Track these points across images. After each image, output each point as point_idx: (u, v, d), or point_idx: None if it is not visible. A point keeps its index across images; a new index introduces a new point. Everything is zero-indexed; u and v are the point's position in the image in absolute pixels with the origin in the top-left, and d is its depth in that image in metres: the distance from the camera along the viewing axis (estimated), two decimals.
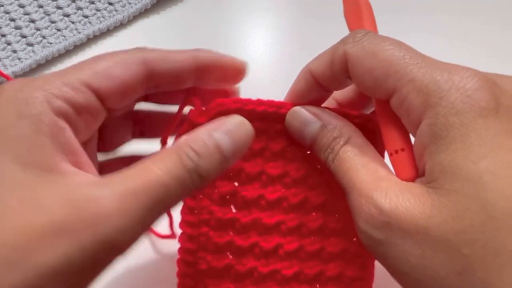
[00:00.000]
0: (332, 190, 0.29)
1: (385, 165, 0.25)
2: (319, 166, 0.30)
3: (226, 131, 0.24)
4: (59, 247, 0.19)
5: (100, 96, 0.23)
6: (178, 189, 0.22)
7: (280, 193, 0.30)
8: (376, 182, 0.23)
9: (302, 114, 0.27)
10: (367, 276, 0.30)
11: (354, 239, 0.30)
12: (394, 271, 0.22)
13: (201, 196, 0.29)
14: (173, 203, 0.23)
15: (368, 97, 0.27)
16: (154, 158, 0.22)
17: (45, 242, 0.19)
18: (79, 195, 0.20)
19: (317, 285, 0.30)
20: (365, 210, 0.22)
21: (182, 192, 0.22)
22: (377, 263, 0.29)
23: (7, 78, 0.44)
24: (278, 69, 0.49)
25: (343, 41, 0.25)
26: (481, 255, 0.19)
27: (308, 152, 0.30)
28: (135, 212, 0.20)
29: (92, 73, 0.23)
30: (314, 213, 0.30)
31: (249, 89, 0.47)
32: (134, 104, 0.29)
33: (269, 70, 0.49)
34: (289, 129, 0.28)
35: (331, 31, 0.51)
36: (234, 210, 0.30)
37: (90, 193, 0.20)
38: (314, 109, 0.27)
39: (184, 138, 0.24)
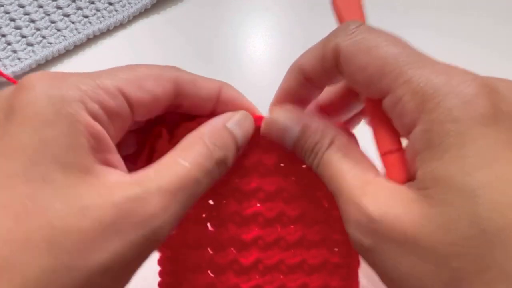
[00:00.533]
0: (309, 201, 0.29)
1: (372, 165, 0.24)
2: (293, 178, 0.29)
3: (237, 123, 0.26)
4: (109, 247, 0.20)
5: (130, 104, 0.23)
6: (208, 182, 0.23)
7: (255, 208, 0.29)
8: (364, 187, 0.22)
9: (278, 121, 0.26)
10: (352, 285, 0.30)
11: (336, 249, 0.30)
12: (384, 278, 0.22)
13: None
14: (202, 194, 0.24)
15: (352, 99, 0.26)
16: (182, 151, 0.23)
17: (95, 244, 0.19)
18: (122, 197, 0.20)
19: None
20: (353, 217, 0.22)
21: (210, 183, 0.24)
22: (363, 272, 0.30)
23: (7, 78, 0.44)
24: (278, 69, 0.49)
25: (335, 33, 0.23)
26: (470, 269, 0.18)
27: (282, 164, 0.29)
28: (173, 209, 0.21)
29: (126, 80, 0.23)
30: (292, 226, 0.30)
31: (249, 89, 0.47)
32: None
33: (269, 70, 0.49)
34: (269, 138, 0.26)
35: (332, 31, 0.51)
36: (211, 228, 0.30)
37: (132, 195, 0.20)
38: (291, 113, 0.26)
39: (203, 130, 0.25)
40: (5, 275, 0.18)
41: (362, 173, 0.23)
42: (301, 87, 0.26)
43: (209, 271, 0.30)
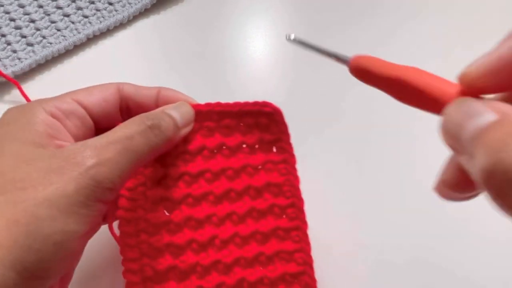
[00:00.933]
0: (251, 175, 0.32)
1: None
2: (235, 157, 0.33)
3: (173, 107, 0.31)
4: (51, 183, 0.24)
5: (83, 105, 0.30)
6: (142, 141, 0.28)
7: (205, 188, 0.32)
8: None
9: (474, 105, 0.18)
10: (304, 246, 0.32)
11: (283, 216, 0.32)
12: None
13: (136, 208, 0.31)
14: (142, 152, 0.28)
15: None
16: (118, 126, 0.29)
17: (40, 182, 0.24)
18: (63, 152, 0.26)
19: (259, 267, 0.32)
20: None
21: (147, 143, 0.28)
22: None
23: (7, 78, 0.44)
24: (278, 69, 0.49)
25: None
26: None
27: (224, 147, 0.33)
28: (108, 154, 0.26)
29: (78, 92, 0.31)
30: (240, 200, 0.32)
31: (249, 88, 0.47)
32: None
33: (269, 70, 0.49)
34: (445, 123, 0.19)
35: (331, 31, 0.51)
36: (167, 213, 0.32)
37: (71, 148, 0.26)
38: (488, 101, 0.19)
39: (142, 114, 0.30)
40: None
41: None
42: None
43: (169, 254, 0.31)
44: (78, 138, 0.30)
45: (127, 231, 0.30)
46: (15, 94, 0.45)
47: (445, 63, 0.47)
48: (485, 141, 0.17)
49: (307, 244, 0.32)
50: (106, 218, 0.31)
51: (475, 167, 0.17)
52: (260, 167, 0.33)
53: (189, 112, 0.32)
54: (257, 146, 0.33)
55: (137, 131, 0.28)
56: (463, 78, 0.20)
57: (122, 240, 0.30)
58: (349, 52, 0.23)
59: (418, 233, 0.39)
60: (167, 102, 0.32)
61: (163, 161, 0.32)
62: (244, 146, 0.33)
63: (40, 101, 0.29)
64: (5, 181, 0.25)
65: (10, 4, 0.48)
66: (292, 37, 0.26)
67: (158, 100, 0.32)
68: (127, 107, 0.32)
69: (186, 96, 0.33)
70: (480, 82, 0.19)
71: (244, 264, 0.31)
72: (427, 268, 0.38)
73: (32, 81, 0.46)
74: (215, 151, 0.33)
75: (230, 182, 0.32)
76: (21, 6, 0.49)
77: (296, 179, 0.33)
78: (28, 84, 0.46)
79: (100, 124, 0.31)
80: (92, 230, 0.27)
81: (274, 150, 0.33)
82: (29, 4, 0.49)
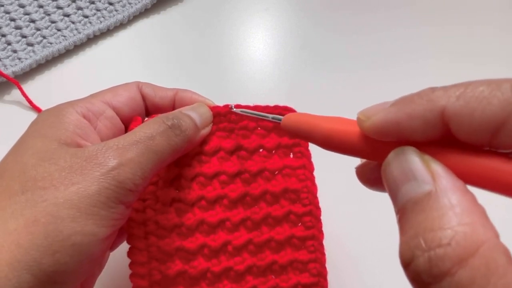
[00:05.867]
0: (268, 179, 0.31)
1: None
2: (251, 160, 0.31)
3: (191, 109, 0.31)
4: (73, 184, 0.24)
5: (112, 106, 0.31)
6: (163, 140, 0.27)
7: (219, 191, 0.31)
8: None
9: (411, 162, 0.18)
10: (319, 256, 0.31)
11: (299, 224, 0.31)
12: None
13: (146, 209, 0.30)
14: (164, 153, 0.27)
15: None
16: (139, 126, 0.28)
17: (62, 181, 0.24)
18: (85, 152, 0.26)
19: (272, 276, 0.30)
20: None
21: (168, 143, 0.28)
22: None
23: (7, 78, 0.44)
24: (278, 69, 0.49)
25: (435, 95, 0.18)
26: None
27: (241, 150, 0.32)
28: (129, 155, 0.26)
29: (105, 93, 0.31)
30: (256, 205, 0.31)
31: (250, 88, 0.48)
32: None
33: (269, 70, 0.49)
34: (384, 173, 0.19)
35: (331, 32, 0.51)
36: (178, 216, 0.31)
37: (93, 149, 0.26)
38: (435, 163, 0.18)
39: (161, 114, 0.30)
40: None
41: None
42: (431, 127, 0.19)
43: (179, 259, 0.30)
44: (108, 139, 0.28)
45: (135, 233, 0.30)
46: (15, 94, 0.45)
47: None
48: (410, 224, 0.16)
49: (322, 254, 0.31)
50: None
51: (400, 236, 0.17)
52: (277, 172, 0.32)
53: (207, 113, 0.32)
54: (275, 150, 0.32)
55: (157, 131, 0.27)
56: (359, 123, 0.20)
57: (130, 242, 0.30)
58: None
59: None
60: (184, 103, 0.32)
61: (177, 160, 0.31)
62: (261, 150, 0.32)
63: (71, 103, 0.29)
64: (26, 179, 0.24)
65: (10, 4, 0.48)
66: (233, 107, 0.32)
67: (175, 102, 0.33)
68: (145, 107, 0.33)
69: (204, 98, 0.33)
70: (373, 134, 0.19)
71: (256, 273, 0.30)
72: None
73: (32, 81, 0.46)
74: (232, 153, 0.32)
75: (246, 186, 0.31)
76: (21, 6, 0.49)
77: (314, 186, 0.32)
78: (28, 84, 0.46)
79: (128, 124, 0.32)
80: (112, 235, 0.26)
81: (292, 155, 0.32)
82: (29, 4, 0.49)
